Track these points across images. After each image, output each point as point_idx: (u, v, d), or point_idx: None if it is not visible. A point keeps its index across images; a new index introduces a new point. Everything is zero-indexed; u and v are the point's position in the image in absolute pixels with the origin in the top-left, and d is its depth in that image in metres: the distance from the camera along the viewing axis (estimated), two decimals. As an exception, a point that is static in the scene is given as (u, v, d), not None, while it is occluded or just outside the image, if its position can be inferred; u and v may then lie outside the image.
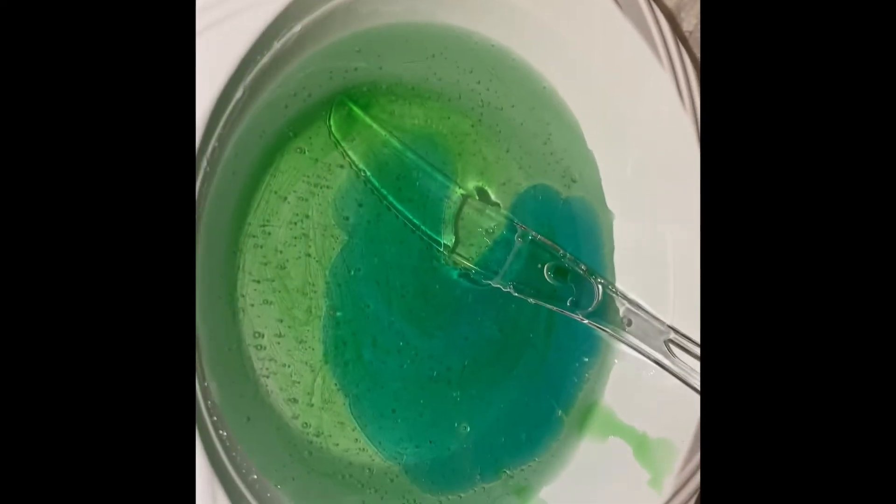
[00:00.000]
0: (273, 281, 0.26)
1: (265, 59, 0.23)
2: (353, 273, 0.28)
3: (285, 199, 0.27)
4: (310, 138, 0.27)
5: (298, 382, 0.27)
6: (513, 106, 0.31)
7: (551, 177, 0.32)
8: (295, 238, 0.27)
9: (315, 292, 0.27)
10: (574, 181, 0.33)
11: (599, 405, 0.32)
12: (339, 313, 0.28)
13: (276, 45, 0.23)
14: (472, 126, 0.31)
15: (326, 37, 0.26)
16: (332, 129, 0.28)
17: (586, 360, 0.33)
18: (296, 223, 0.27)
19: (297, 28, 0.23)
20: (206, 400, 0.22)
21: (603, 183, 0.33)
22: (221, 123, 0.22)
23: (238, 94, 0.22)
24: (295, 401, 0.26)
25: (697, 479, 0.30)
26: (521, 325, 0.32)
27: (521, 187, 0.32)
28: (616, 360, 0.33)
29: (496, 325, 0.31)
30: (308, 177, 0.27)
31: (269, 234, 0.26)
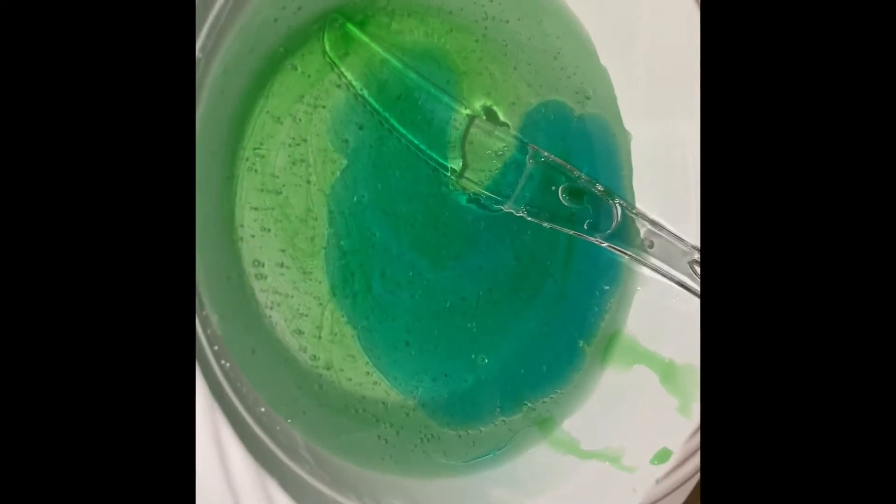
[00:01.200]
0: (273, 209, 0.25)
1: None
2: (356, 200, 0.26)
3: (280, 120, 0.25)
4: (303, 56, 0.25)
5: (305, 315, 0.25)
6: (519, 19, 0.29)
7: (564, 93, 0.30)
8: (293, 163, 0.25)
9: (317, 220, 0.26)
10: (588, 98, 0.31)
11: (622, 334, 0.31)
12: (343, 242, 0.26)
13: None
14: (477, 41, 0.29)
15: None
16: (327, 48, 0.26)
17: (607, 287, 0.31)
18: (293, 146, 0.25)
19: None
20: (205, 329, 0.20)
21: (619, 101, 0.31)
22: (204, 34, 0.20)
23: (220, 1, 0.21)
24: (301, 333, 0.25)
25: (728, 404, 0.29)
26: (538, 252, 0.30)
27: (531, 105, 0.30)
28: (639, 287, 0.31)
29: (512, 253, 0.30)
30: (304, 97, 0.25)
31: (265, 157, 0.25)
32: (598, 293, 0.31)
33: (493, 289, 0.29)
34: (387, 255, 0.27)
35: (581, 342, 0.31)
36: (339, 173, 0.26)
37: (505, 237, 0.30)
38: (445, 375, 0.28)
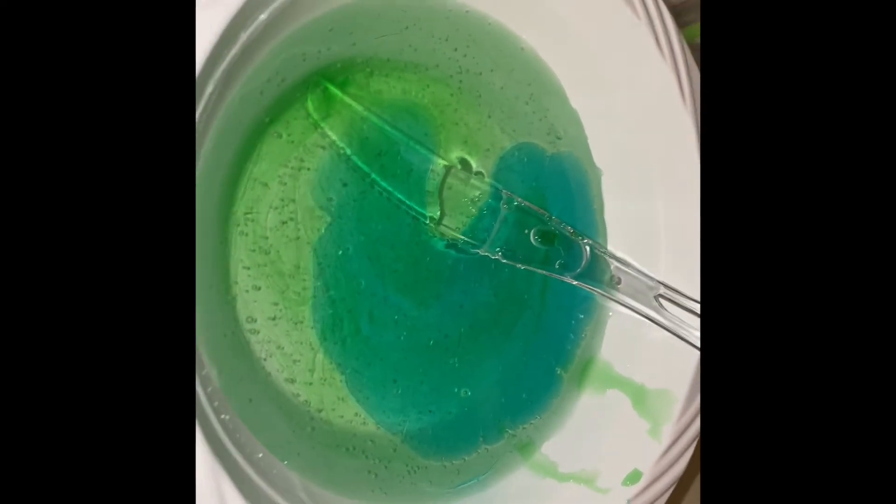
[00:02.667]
0: (264, 266, 0.27)
1: (234, 52, 0.23)
2: (342, 252, 0.28)
3: (267, 185, 0.27)
4: (287, 122, 0.27)
5: (298, 361, 0.28)
6: (492, 70, 0.31)
7: (536, 135, 0.32)
8: (282, 223, 0.27)
9: (307, 274, 0.28)
10: (559, 138, 0.33)
11: (597, 360, 0.33)
12: (332, 292, 0.28)
13: (243, 37, 0.23)
14: (452, 95, 0.31)
15: (296, 20, 0.26)
16: (311, 110, 0.28)
17: (582, 316, 0.34)
18: (281, 207, 0.27)
19: (264, 16, 0.23)
20: (205, 387, 0.22)
21: (589, 140, 0.33)
22: (196, 119, 0.22)
23: (209, 89, 0.23)
24: (294, 381, 0.27)
25: (696, 425, 0.31)
26: (515, 288, 0.32)
27: (505, 149, 0.32)
28: (611, 314, 0.33)
29: (491, 291, 0.32)
30: (289, 161, 0.27)
31: (255, 220, 0.27)
32: (573, 322, 0.33)
33: (473, 325, 0.31)
34: (373, 299, 0.29)
35: (558, 369, 0.33)
36: (324, 229, 0.28)
37: (483, 276, 0.32)
38: (430, 411, 0.30)
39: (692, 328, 0.30)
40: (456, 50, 0.30)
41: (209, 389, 0.23)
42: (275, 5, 0.23)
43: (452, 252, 0.31)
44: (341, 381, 0.28)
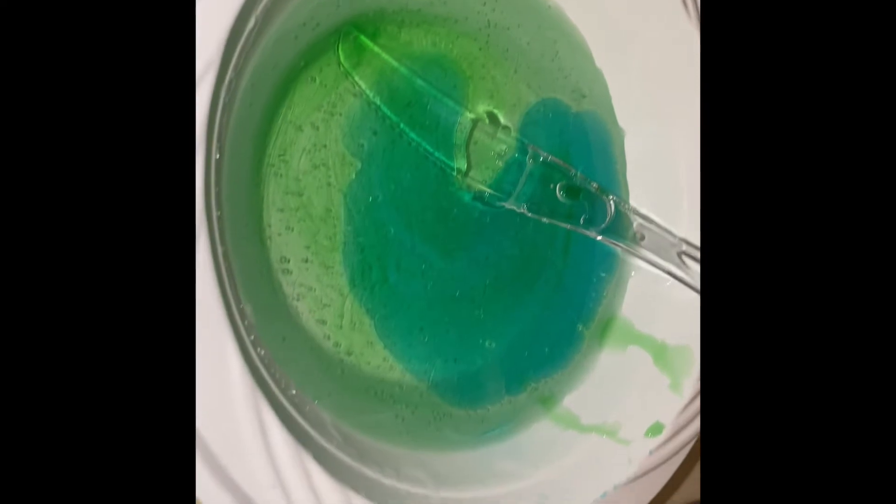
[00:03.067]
0: (297, 210, 0.27)
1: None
2: (371, 200, 0.29)
3: (301, 128, 0.27)
4: (321, 68, 0.28)
5: (328, 305, 0.28)
6: (519, 25, 0.32)
7: (561, 92, 0.32)
8: (314, 167, 0.27)
9: (337, 219, 0.28)
10: (584, 96, 0.33)
11: (618, 317, 0.33)
12: (361, 238, 0.29)
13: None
14: (480, 49, 0.31)
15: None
16: (342, 59, 0.28)
17: (603, 275, 0.34)
18: (313, 152, 0.27)
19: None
20: (243, 321, 0.23)
21: (613, 100, 0.33)
22: (236, 55, 0.22)
23: (250, 24, 0.23)
24: (325, 322, 0.27)
25: (716, 381, 0.31)
26: (539, 243, 0.33)
27: (530, 104, 0.32)
28: (633, 273, 0.34)
29: (515, 245, 0.32)
30: (322, 106, 0.28)
31: (288, 163, 0.27)
32: (595, 280, 0.34)
33: (498, 277, 0.32)
34: (401, 248, 0.30)
35: (580, 326, 0.33)
36: (355, 175, 0.28)
37: (508, 230, 0.32)
38: (455, 360, 0.30)
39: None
40: (485, 4, 0.31)
41: (246, 323, 0.23)
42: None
43: (479, 204, 0.31)
44: (370, 325, 0.28)
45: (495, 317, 0.31)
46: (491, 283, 0.31)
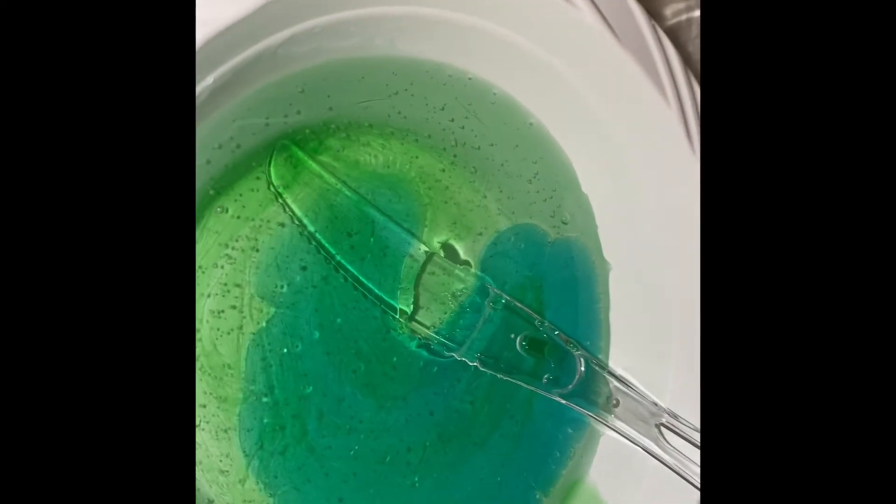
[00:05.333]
0: (197, 359, 0.23)
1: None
2: (287, 350, 0.24)
3: (202, 268, 0.23)
4: (239, 195, 0.23)
5: (227, 472, 0.23)
6: (492, 145, 0.27)
7: (537, 217, 0.28)
8: (219, 312, 0.23)
9: (249, 373, 0.24)
10: (565, 223, 0.28)
11: (584, 484, 0.29)
12: (277, 393, 0.24)
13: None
14: (444, 170, 0.27)
15: (256, 81, 0.22)
16: (272, 177, 0.24)
17: (571, 431, 0.29)
18: (222, 294, 0.23)
19: (210, 80, 0.19)
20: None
21: (599, 230, 0.29)
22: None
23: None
24: (220, 500, 0.23)
25: (689, 581, 0.27)
26: (497, 392, 0.28)
27: (499, 232, 0.28)
28: (605, 431, 0.29)
29: (468, 396, 0.28)
30: (235, 239, 0.23)
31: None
32: (560, 436, 0.29)
33: (441, 435, 0.27)
34: (325, 399, 0.25)
35: (538, 492, 0.28)
36: (267, 322, 0.24)
37: (461, 378, 0.27)
38: (376, 540, 0.26)
39: (694, 464, 0.26)
40: (453, 121, 0.26)
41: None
42: (224, 68, 0.19)
43: (425, 353, 0.26)
44: (270, 503, 0.24)
45: (433, 484, 0.27)
46: (432, 442, 0.27)
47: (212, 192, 0.23)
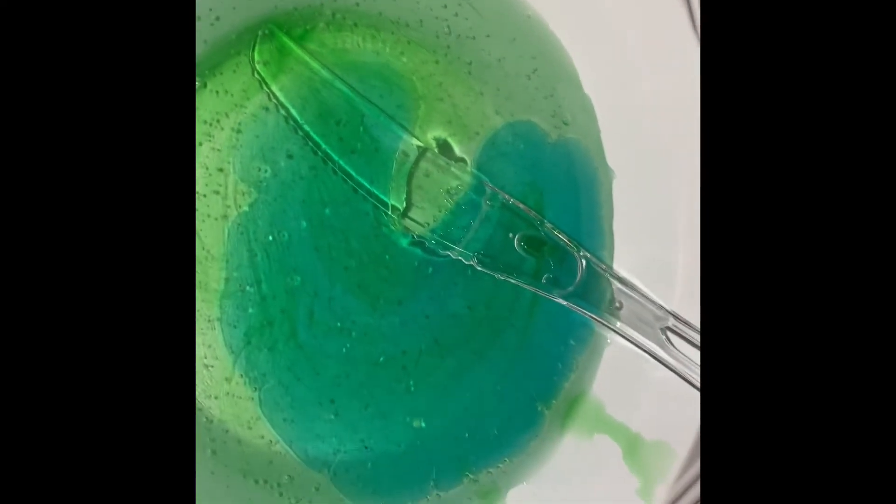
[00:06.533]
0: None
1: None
2: (272, 238, 0.23)
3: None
4: (220, 73, 0.22)
5: (211, 367, 0.22)
6: (488, 36, 0.26)
7: (537, 114, 0.27)
8: (205, 195, 0.22)
9: (233, 261, 0.23)
10: (566, 124, 0.27)
11: (587, 397, 0.27)
12: (264, 286, 0.23)
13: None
14: (437, 62, 0.25)
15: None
16: (257, 63, 0.23)
17: (573, 343, 0.28)
18: (207, 178, 0.22)
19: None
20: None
21: (602, 134, 0.27)
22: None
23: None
24: (202, 393, 0.22)
25: (696, 491, 0.26)
26: (497, 299, 0.27)
27: (496, 129, 0.26)
28: (609, 342, 0.28)
29: (464, 300, 0.26)
30: (217, 119, 0.22)
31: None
32: (563, 348, 0.28)
33: (438, 340, 0.26)
34: (316, 298, 0.24)
35: (539, 404, 0.27)
36: (263, 209, 0.23)
37: (457, 281, 0.26)
38: (370, 443, 0.25)
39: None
40: (446, 7, 0.25)
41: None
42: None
43: (419, 251, 0.25)
44: (255, 398, 0.23)
45: (430, 389, 0.26)
46: (428, 346, 0.26)
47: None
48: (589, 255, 0.25)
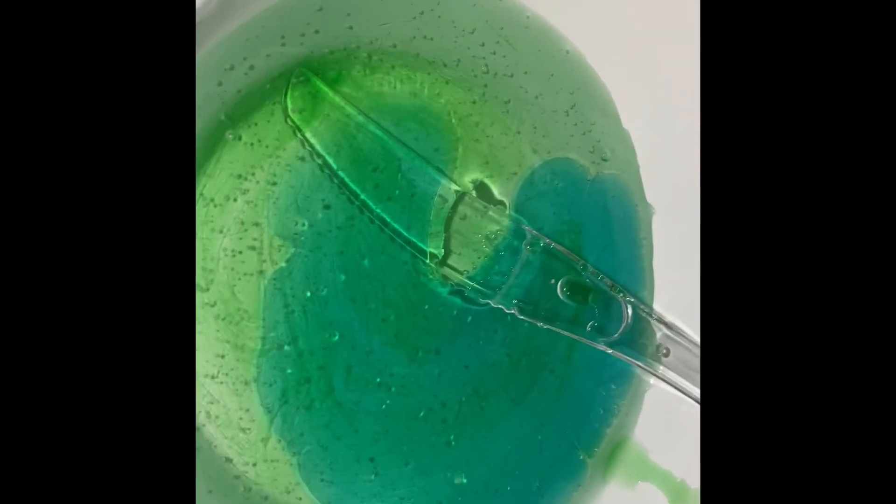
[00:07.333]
0: (213, 305, 0.21)
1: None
2: (310, 294, 0.22)
3: (214, 202, 0.21)
4: (255, 124, 0.21)
5: (248, 429, 0.21)
6: (525, 73, 0.25)
7: (575, 151, 0.26)
8: (240, 252, 0.21)
9: (269, 319, 0.22)
10: (605, 160, 0.26)
11: (630, 443, 0.27)
12: (301, 343, 0.22)
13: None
14: (474, 102, 0.24)
15: (270, -8, 0.19)
16: (290, 110, 0.22)
17: (614, 387, 0.27)
18: (240, 233, 0.21)
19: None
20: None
21: (641, 170, 0.27)
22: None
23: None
24: (232, 460, 0.21)
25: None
26: (536, 347, 0.26)
27: (534, 168, 0.25)
28: (652, 384, 0.27)
29: (504, 349, 0.25)
30: (253, 172, 0.21)
31: (206, 248, 0.21)
32: (604, 392, 0.27)
33: (478, 390, 0.25)
34: (354, 352, 0.23)
35: (581, 453, 0.26)
36: (287, 263, 0.22)
37: (497, 329, 0.25)
38: (413, 501, 0.24)
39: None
40: (483, 45, 0.24)
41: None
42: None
43: (458, 300, 0.24)
44: (293, 462, 0.22)
45: (470, 442, 0.25)
46: (468, 397, 0.25)
47: (223, 117, 0.21)
48: (634, 300, 0.24)
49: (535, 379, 0.26)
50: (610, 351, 0.24)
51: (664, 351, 0.25)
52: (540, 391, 0.26)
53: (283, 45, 0.21)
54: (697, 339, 0.25)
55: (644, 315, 0.24)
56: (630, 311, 0.24)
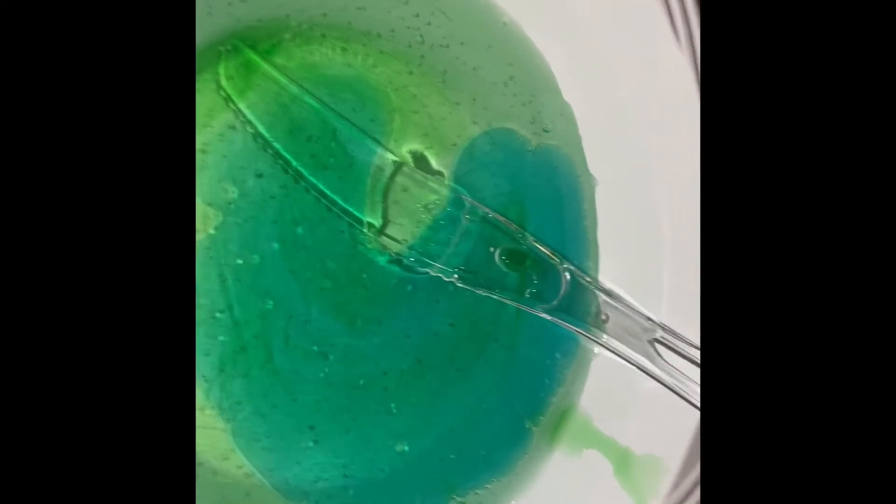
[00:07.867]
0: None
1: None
2: (253, 259, 0.22)
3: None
4: (184, 94, 0.21)
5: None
6: (462, 44, 0.25)
7: (516, 121, 0.26)
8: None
9: (202, 287, 0.22)
10: (546, 131, 0.26)
11: (575, 411, 0.27)
12: (236, 311, 0.22)
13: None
14: (411, 73, 0.25)
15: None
16: (223, 81, 0.22)
17: (559, 356, 0.27)
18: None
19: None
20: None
21: (583, 142, 0.27)
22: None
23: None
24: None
25: (690, 506, 0.25)
26: (480, 315, 0.26)
27: (474, 138, 0.26)
28: (597, 353, 0.27)
29: (447, 318, 0.26)
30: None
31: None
32: (549, 362, 0.27)
33: (421, 360, 0.25)
34: (291, 321, 0.23)
35: (527, 421, 0.27)
36: (232, 231, 0.22)
37: (439, 298, 0.25)
38: (351, 470, 0.24)
39: (693, 383, 0.24)
40: (418, 16, 0.24)
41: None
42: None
43: (397, 269, 0.24)
44: (227, 429, 0.22)
45: (413, 411, 0.25)
46: (410, 367, 0.25)
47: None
48: (573, 268, 0.25)
49: (481, 349, 0.26)
50: (549, 318, 0.25)
51: (604, 316, 0.25)
52: (486, 361, 0.26)
53: (210, 14, 0.21)
54: (638, 305, 0.25)
55: (583, 281, 0.25)
56: (569, 277, 0.25)
